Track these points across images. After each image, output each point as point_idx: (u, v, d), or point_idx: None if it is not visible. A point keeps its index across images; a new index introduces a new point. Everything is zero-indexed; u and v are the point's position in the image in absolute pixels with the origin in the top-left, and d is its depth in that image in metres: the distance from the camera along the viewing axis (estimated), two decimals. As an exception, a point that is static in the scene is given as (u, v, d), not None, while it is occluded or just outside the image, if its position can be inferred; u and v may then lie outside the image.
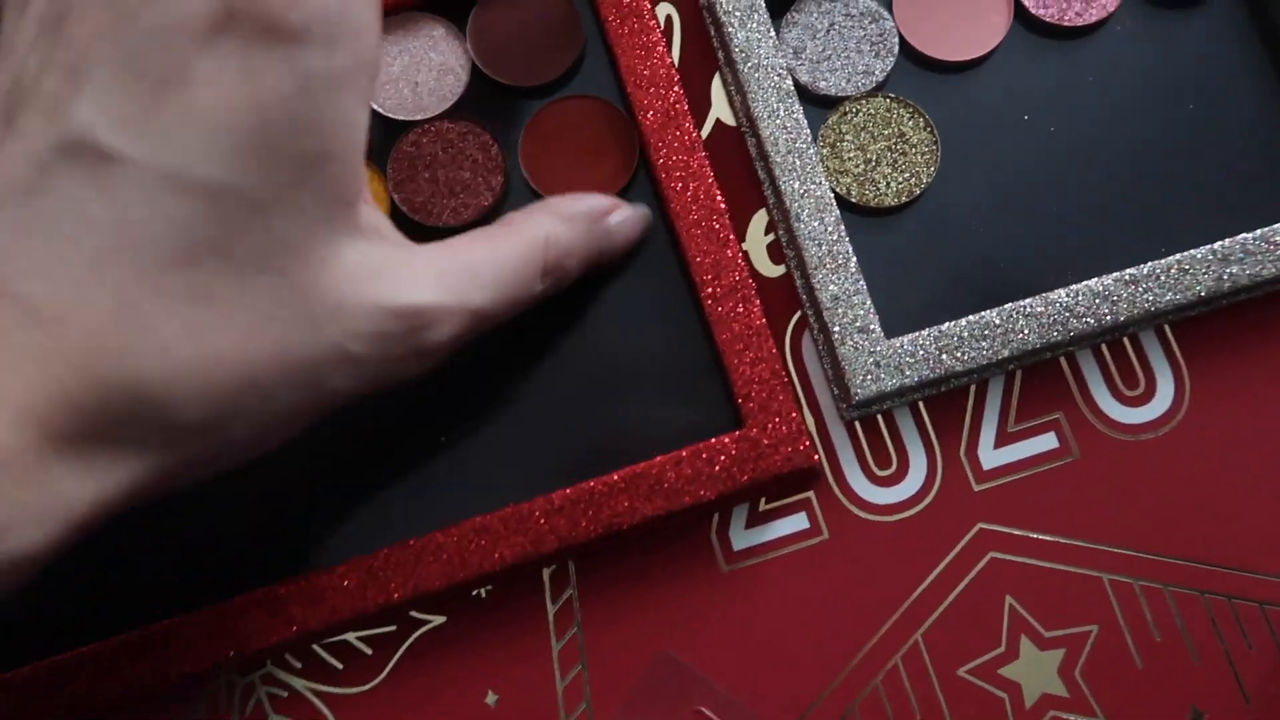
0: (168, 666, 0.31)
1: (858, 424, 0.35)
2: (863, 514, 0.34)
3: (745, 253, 0.36)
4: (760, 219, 0.37)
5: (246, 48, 0.22)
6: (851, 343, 0.33)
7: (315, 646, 0.33)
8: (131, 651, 0.31)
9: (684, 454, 0.32)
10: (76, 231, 0.21)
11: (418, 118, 0.36)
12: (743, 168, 0.37)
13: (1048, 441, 0.34)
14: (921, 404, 0.35)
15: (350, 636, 0.33)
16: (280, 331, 0.23)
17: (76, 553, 0.23)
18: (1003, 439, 0.35)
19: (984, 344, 0.33)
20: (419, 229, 0.35)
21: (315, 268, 0.24)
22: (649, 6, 0.36)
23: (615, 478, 0.32)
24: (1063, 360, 0.36)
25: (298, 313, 0.23)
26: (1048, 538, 0.34)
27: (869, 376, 0.33)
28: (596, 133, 0.36)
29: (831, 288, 0.33)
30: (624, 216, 0.34)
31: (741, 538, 0.34)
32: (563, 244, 0.31)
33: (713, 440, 0.32)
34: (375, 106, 0.36)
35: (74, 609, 0.32)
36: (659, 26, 0.36)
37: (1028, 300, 0.33)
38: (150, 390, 0.22)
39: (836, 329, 0.33)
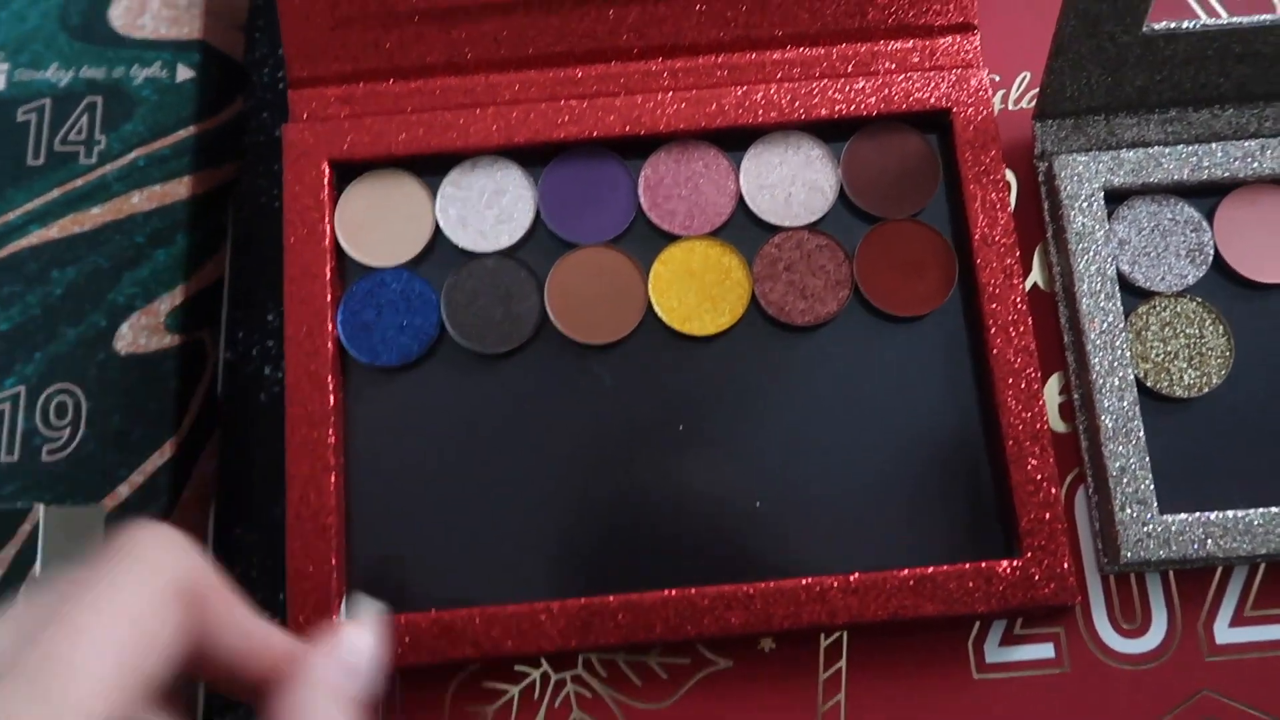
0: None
1: (1112, 576, 0.40)
2: (1102, 657, 0.39)
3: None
4: (1056, 380, 0.42)
5: None
6: (1130, 512, 0.38)
7: (619, 661, 0.39)
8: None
9: (967, 568, 0.38)
10: None
11: (785, 224, 0.42)
12: (1048, 332, 0.42)
13: (1278, 632, 0.39)
14: (1171, 571, 0.40)
15: (651, 660, 0.39)
16: None
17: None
18: (1238, 620, 0.39)
19: (1245, 539, 0.38)
20: (771, 322, 0.41)
21: None
22: (1003, 174, 0.41)
23: (904, 574, 0.38)
24: (1303, 563, 0.40)
25: None
26: (1266, 717, 0.38)
27: (1139, 545, 0.38)
28: (922, 253, 0.42)
29: (1120, 460, 0.38)
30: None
31: (995, 653, 0.39)
32: None
33: (995, 563, 0.38)
34: (753, 208, 0.42)
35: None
36: (1009, 190, 0.41)
37: (1291, 508, 0.38)
38: None
39: (1118, 497, 0.38)
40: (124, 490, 0.41)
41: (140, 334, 0.43)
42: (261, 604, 0.43)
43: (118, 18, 0.46)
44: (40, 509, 0.40)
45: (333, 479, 0.38)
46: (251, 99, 0.49)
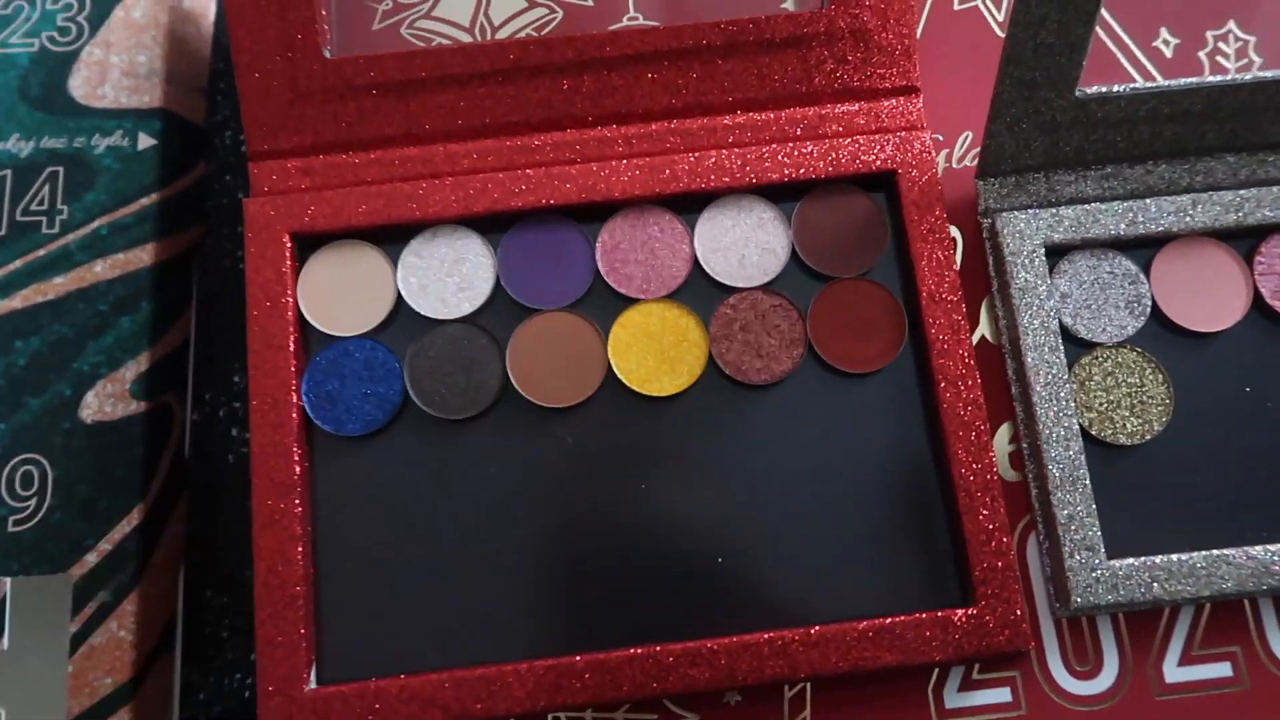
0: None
1: (1064, 620, 0.41)
2: (1057, 699, 0.40)
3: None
4: (1006, 430, 0.43)
5: None
6: (1079, 558, 0.39)
7: (588, 719, 0.40)
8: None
9: (924, 618, 0.39)
10: None
11: (740, 285, 0.43)
12: (997, 382, 0.43)
13: (1224, 669, 0.40)
14: (1121, 614, 0.41)
15: (619, 717, 0.40)
16: None
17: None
18: (1186, 659, 0.41)
19: (1189, 581, 0.39)
20: (728, 381, 0.42)
21: None
22: (949, 232, 0.43)
23: (863, 626, 0.39)
24: (1246, 600, 0.41)
25: None
26: (1214, 755, 0.40)
27: (1089, 590, 0.39)
28: (873, 311, 0.43)
29: (1067, 509, 0.40)
30: None
31: (954, 698, 0.40)
32: None
33: (950, 612, 0.39)
34: (708, 270, 0.43)
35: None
36: (954, 248, 0.43)
37: (1232, 550, 0.39)
38: None
39: (1067, 544, 0.39)
40: (92, 559, 0.41)
41: (106, 402, 0.43)
42: (233, 664, 0.43)
43: (78, 88, 0.47)
44: (8, 582, 0.41)
45: (300, 549, 0.39)
46: (214, 162, 0.50)
